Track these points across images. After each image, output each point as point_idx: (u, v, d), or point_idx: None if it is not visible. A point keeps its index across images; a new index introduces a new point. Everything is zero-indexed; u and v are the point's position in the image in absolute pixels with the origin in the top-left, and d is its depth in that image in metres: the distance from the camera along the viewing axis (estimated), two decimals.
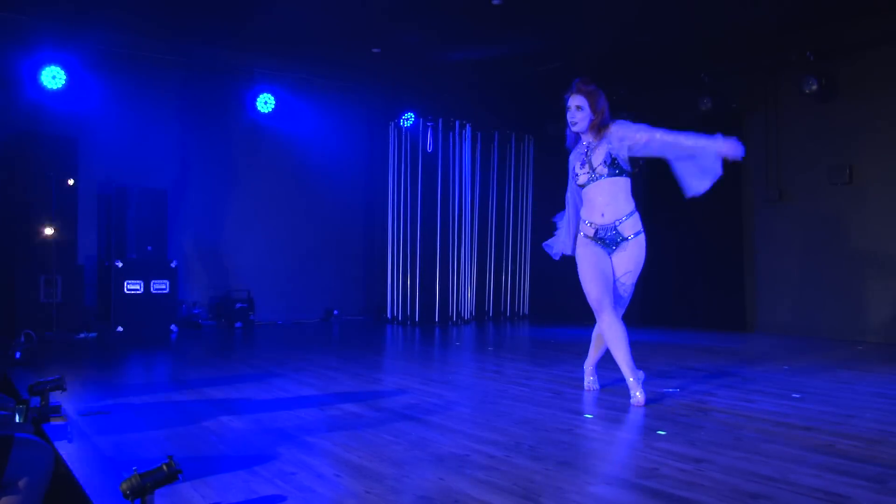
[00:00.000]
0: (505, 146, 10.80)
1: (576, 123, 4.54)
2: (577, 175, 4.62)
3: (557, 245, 4.95)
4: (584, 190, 4.56)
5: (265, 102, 9.25)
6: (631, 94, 9.53)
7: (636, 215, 4.56)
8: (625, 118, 4.61)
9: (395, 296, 9.92)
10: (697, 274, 9.43)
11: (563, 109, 4.57)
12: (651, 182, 9.89)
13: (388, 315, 9.94)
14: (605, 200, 4.50)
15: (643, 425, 3.81)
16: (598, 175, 4.50)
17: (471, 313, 10.32)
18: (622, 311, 4.55)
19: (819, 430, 3.73)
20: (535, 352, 7.23)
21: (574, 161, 4.69)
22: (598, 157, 4.50)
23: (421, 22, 7.97)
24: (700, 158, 4.40)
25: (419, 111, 9.89)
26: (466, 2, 7.33)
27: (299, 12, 7.71)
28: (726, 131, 9.30)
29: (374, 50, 8.96)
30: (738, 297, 8.97)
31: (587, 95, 4.50)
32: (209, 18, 7.94)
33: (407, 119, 9.89)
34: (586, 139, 4.60)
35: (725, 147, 4.43)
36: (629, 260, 4.53)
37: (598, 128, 4.53)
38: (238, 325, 8.96)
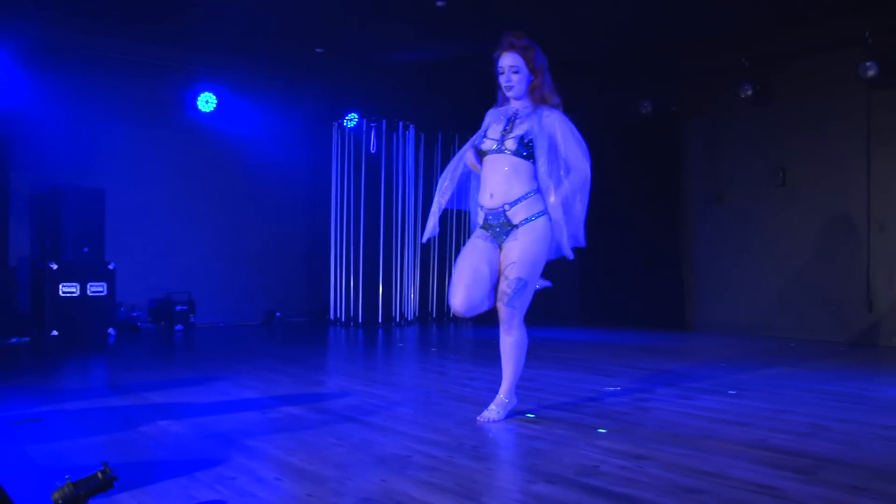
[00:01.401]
0: (449, 147, 10.83)
1: (511, 88, 3.85)
2: (484, 138, 3.90)
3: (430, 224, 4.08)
4: (484, 160, 3.86)
5: (206, 101, 9.10)
6: (572, 97, 9.61)
7: (533, 199, 3.78)
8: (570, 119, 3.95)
9: (339, 297, 9.87)
10: (637, 274, 9.59)
11: (495, 73, 3.89)
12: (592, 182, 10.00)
13: (331, 316, 9.88)
14: (498, 179, 3.77)
15: (584, 424, 3.86)
16: (503, 148, 3.79)
17: (414, 314, 10.32)
18: (512, 315, 3.80)
19: (753, 425, 3.83)
20: (478, 352, 7.26)
21: (492, 120, 3.99)
22: (517, 130, 3.80)
23: (365, 22, 7.94)
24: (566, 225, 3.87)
25: (363, 111, 9.85)
26: (411, 3, 7.33)
27: (242, 10, 7.60)
28: (666, 134, 9.59)
29: (318, 49, 8.90)
30: (678, 297, 9.15)
31: (522, 53, 3.83)
32: (148, 14, 7.78)
33: (350, 119, 9.84)
34: (519, 105, 3.90)
35: (568, 247, 3.90)
36: (514, 249, 3.74)
37: (540, 96, 3.88)
38: (178, 327, 8.81)
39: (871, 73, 7.23)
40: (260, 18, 7.86)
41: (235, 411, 4.20)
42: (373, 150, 9.88)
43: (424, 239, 4.13)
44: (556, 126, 3.82)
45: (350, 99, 9.88)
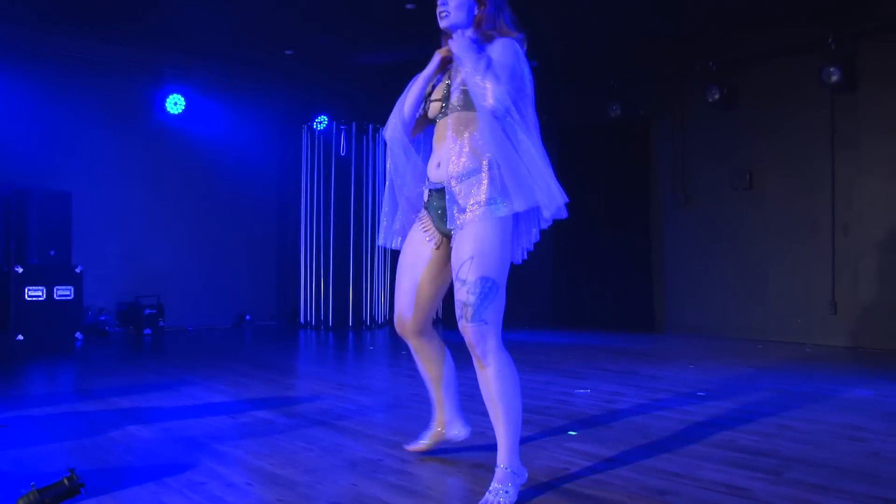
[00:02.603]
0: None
1: (445, 16, 2.92)
2: (428, 101, 3.02)
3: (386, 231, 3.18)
4: (436, 126, 2.99)
5: (175, 103, 9.01)
6: (541, 100, 9.68)
7: (489, 175, 2.73)
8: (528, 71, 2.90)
9: (309, 300, 9.82)
10: (607, 276, 9.66)
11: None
12: (558, 178, 10.06)
13: (302, 320, 9.83)
14: (448, 146, 2.84)
15: (554, 426, 3.88)
16: (449, 108, 2.90)
17: (384, 317, 10.30)
18: (484, 334, 2.68)
19: (722, 426, 3.88)
20: None
21: (424, 72, 3.05)
22: (460, 78, 2.85)
23: (334, 24, 7.92)
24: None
25: (332, 114, 9.82)
26: (381, 5, 7.33)
27: (211, 11, 7.55)
28: (634, 137, 9.65)
29: (287, 52, 8.86)
30: (647, 299, 9.23)
31: None
32: (116, 14, 7.69)
33: (320, 122, 9.80)
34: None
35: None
36: (465, 242, 2.71)
37: (492, 30, 2.92)
38: (147, 331, 8.71)
39: (833, 78, 7.34)
40: (229, 20, 7.81)
41: (205, 416, 4.16)
42: (343, 152, 9.86)
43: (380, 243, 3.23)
44: (495, 52, 2.80)
45: (320, 101, 9.84)
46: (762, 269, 8.17)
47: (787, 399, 4.71)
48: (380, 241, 3.19)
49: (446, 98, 2.92)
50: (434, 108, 2.97)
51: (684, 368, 6.05)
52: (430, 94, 3.01)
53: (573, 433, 3.71)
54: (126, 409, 4.33)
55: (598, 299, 9.73)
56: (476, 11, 2.90)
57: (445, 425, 3.30)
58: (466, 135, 2.81)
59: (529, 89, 2.84)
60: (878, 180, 7.41)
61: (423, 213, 3.03)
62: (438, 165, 2.90)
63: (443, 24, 2.94)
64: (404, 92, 3.07)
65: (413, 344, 3.15)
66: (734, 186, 8.40)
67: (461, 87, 2.82)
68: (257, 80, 9.82)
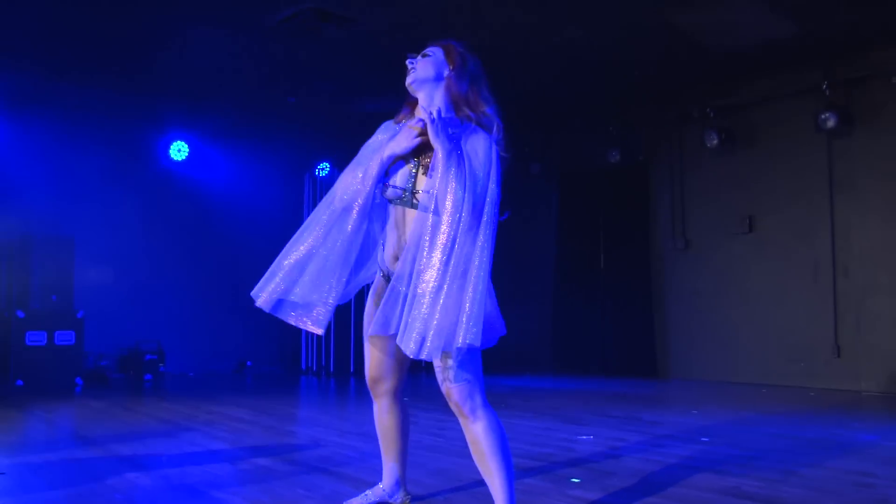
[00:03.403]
0: None
1: (413, 71, 2.79)
2: (387, 185, 2.76)
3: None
4: (393, 209, 2.76)
5: (178, 150, 9.11)
6: (542, 146, 9.79)
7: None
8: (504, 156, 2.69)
9: (310, 346, 9.81)
10: (608, 321, 9.62)
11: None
12: (559, 223, 10.12)
13: (303, 366, 9.80)
14: (408, 246, 2.65)
15: (556, 473, 3.84)
16: (413, 201, 2.68)
17: None
18: (469, 392, 2.65)
19: (726, 472, 3.84)
20: (447, 402, 7.21)
21: (394, 146, 2.79)
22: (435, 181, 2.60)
23: (337, 72, 8.02)
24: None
25: (335, 161, 9.90)
26: (382, 53, 7.43)
27: (214, 59, 7.66)
28: (634, 182, 9.72)
29: (290, 99, 8.96)
30: (649, 344, 9.19)
31: (444, 46, 2.82)
32: (120, 63, 7.79)
33: (322, 169, 9.88)
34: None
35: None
36: None
37: (458, 97, 2.73)
38: (148, 377, 8.67)
39: (829, 122, 7.42)
40: (233, 68, 7.92)
41: (205, 462, 4.13)
42: None
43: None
44: (477, 146, 2.64)
45: (322, 148, 9.94)
46: (764, 312, 8.15)
47: (791, 444, 4.67)
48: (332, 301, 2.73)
49: (411, 191, 2.70)
50: (391, 193, 2.75)
51: (687, 413, 6.00)
52: (386, 171, 2.78)
53: (576, 480, 3.68)
54: (125, 456, 4.30)
55: (599, 344, 9.69)
56: (446, 72, 2.76)
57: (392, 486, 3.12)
58: (434, 243, 2.54)
59: (495, 191, 2.59)
60: (876, 223, 7.44)
61: (380, 279, 2.86)
62: (396, 258, 2.71)
63: (409, 78, 2.80)
64: (362, 155, 2.93)
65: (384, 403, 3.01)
66: (734, 230, 8.43)
67: (432, 191, 2.60)
68: (260, 127, 9.92)
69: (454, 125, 2.68)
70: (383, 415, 3.02)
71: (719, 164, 8.58)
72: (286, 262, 2.77)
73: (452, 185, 2.54)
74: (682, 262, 8.95)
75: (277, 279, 2.76)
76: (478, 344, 2.45)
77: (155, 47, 7.32)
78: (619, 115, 9.23)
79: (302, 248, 2.78)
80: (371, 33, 6.88)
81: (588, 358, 9.73)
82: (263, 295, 2.77)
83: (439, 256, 2.50)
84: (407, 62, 2.80)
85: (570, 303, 9.85)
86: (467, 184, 2.54)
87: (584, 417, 5.81)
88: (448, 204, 2.53)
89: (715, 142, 8.31)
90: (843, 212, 7.66)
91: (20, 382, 7.51)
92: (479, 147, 2.62)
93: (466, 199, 2.52)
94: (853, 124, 7.51)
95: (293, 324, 2.78)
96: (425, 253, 2.54)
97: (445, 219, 2.52)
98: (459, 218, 2.51)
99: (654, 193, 9.29)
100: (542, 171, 9.85)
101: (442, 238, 2.52)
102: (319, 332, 2.77)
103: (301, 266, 2.75)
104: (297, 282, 2.73)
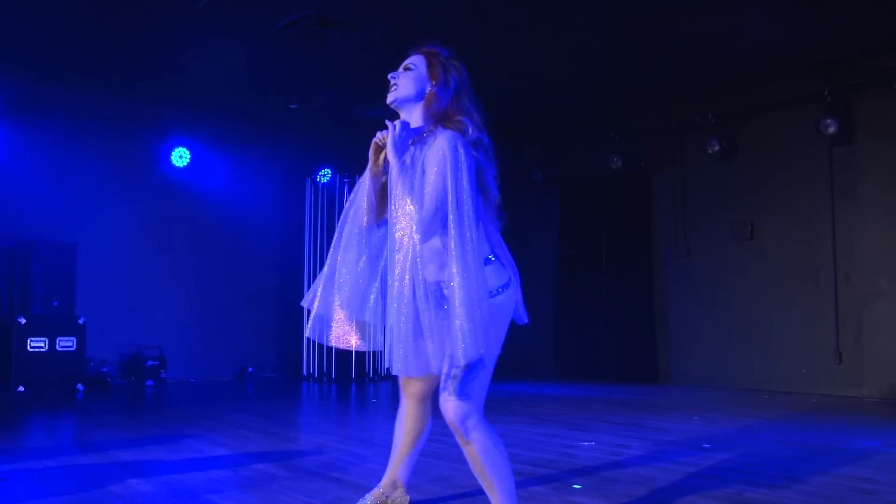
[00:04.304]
0: None
1: (394, 89, 2.80)
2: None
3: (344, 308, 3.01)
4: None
5: (180, 156, 9.12)
6: (544, 153, 9.80)
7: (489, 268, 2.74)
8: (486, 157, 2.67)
9: (311, 352, 9.79)
10: (610, 327, 9.62)
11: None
12: (561, 231, 10.13)
13: (304, 372, 9.79)
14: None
15: (558, 479, 3.84)
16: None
17: (387, 369, 10.25)
18: (466, 412, 2.56)
19: (729, 478, 3.83)
20: None
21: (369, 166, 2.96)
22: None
23: (338, 78, 8.03)
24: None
25: (336, 167, 9.91)
26: (383, 59, 7.44)
27: (216, 66, 7.68)
28: (636, 189, 9.72)
29: (292, 106, 8.97)
30: (651, 350, 9.18)
31: (428, 55, 2.79)
32: (122, 69, 7.81)
33: (324, 175, 9.89)
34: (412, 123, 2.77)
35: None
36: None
37: (439, 111, 2.70)
38: (149, 383, 8.67)
39: (831, 129, 7.42)
40: (234, 74, 7.93)
41: (206, 469, 4.13)
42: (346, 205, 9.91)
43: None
44: (437, 153, 2.57)
45: (324, 154, 9.94)
46: (766, 319, 8.14)
47: (793, 450, 4.66)
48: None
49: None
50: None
51: (689, 420, 5.99)
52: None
53: (578, 486, 3.67)
54: (126, 462, 4.29)
55: (601, 351, 9.68)
56: (428, 88, 2.74)
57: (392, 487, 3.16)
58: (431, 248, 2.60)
59: (466, 186, 2.51)
60: (877, 229, 7.44)
61: None
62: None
63: (390, 97, 2.80)
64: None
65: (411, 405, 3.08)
66: (735, 237, 8.43)
67: (393, 208, 2.66)
68: (262, 134, 9.93)
69: (417, 134, 2.71)
70: (402, 415, 3.12)
71: (721, 171, 8.58)
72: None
73: (406, 200, 2.57)
74: (683, 269, 8.95)
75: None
76: (477, 357, 2.45)
77: (157, 54, 7.34)
78: (620, 123, 9.24)
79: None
80: (373, 40, 6.89)
81: (590, 364, 9.72)
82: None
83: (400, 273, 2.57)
84: (389, 77, 2.80)
85: (573, 309, 9.84)
86: (417, 197, 2.54)
87: (586, 423, 5.80)
88: (403, 222, 2.58)
89: (716, 149, 8.32)
90: (844, 218, 7.66)
91: (21, 388, 7.51)
92: (442, 146, 2.56)
93: (417, 214, 2.52)
94: (854, 131, 7.52)
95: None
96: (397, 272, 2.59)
97: (398, 236, 2.59)
98: (411, 233, 2.53)
99: (655, 200, 9.29)
100: (544, 179, 9.85)
101: (398, 257, 2.58)
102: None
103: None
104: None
